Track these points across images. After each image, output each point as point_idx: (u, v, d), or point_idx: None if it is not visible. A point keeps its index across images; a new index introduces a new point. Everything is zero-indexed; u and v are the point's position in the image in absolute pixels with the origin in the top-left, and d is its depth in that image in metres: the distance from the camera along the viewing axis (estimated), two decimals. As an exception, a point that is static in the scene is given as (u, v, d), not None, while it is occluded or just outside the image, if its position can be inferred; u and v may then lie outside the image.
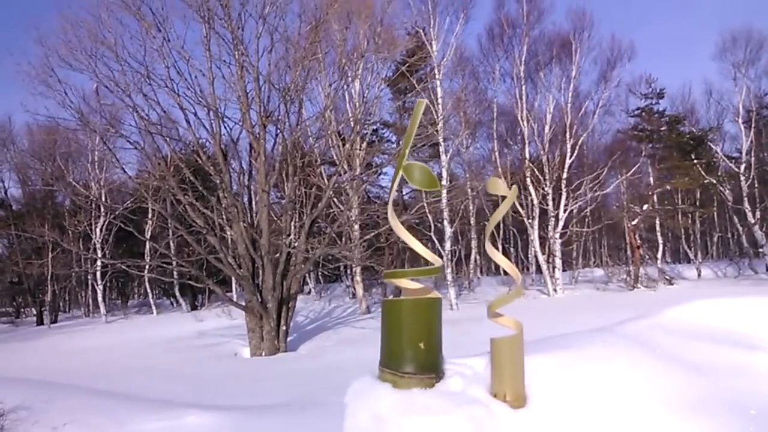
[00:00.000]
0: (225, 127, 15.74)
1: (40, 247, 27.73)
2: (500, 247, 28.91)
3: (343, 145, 19.85)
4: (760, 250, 26.99)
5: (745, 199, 27.01)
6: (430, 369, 2.18)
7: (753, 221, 26.85)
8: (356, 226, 21.09)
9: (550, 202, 25.09)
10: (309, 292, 32.27)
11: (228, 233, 17.35)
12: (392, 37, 19.04)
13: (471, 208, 26.42)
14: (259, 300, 14.99)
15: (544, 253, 25.12)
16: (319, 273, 33.33)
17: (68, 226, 26.22)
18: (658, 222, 29.50)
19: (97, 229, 27.14)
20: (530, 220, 25.34)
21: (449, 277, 22.83)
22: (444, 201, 21.87)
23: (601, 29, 45.51)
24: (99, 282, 27.92)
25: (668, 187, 29.61)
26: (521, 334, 2.20)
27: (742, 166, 27.46)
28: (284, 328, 15.35)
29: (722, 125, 31.28)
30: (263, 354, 14.72)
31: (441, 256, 23.51)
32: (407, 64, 20.35)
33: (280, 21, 15.64)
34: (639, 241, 26.26)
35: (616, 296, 22.00)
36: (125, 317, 29.16)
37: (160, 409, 7.16)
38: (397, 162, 2.32)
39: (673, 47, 78.48)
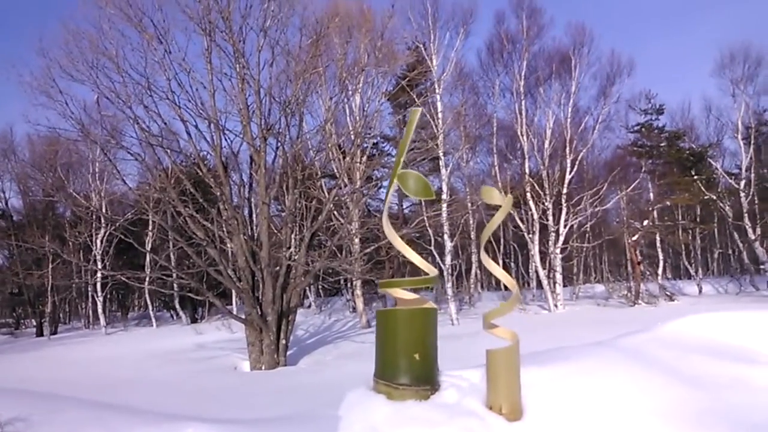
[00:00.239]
0: (226, 140, 15.77)
1: (40, 258, 27.69)
2: (500, 261, 28.83)
3: (344, 158, 19.88)
4: (761, 266, 26.93)
5: (746, 215, 26.98)
6: (426, 380, 2.16)
7: (753, 237, 26.81)
8: (356, 240, 21.06)
9: (551, 217, 25.05)
10: (309, 306, 32.17)
11: (228, 246, 17.33)
12: (392, 51, 19.12)
13: (471, 222, 26.43)
14: (259, 313, 14.92)
15: (544, 269, 25.05)
16: (320, 286, 33.25)
17: (69, 237, 26.20)
18: (658, 238, 29.45)
19: (98, 241, 27.12)
20: (530, 235, 25.30)
21: (449, 292, 22.76)
22: (444, 215, 21.86)
23: (601, 45, 45.66)
24: (99, 294, 27.85)
25: (668, 203, 29.59)
26: (517, 346, 2.18)
27: (742, 182, 27.46)
28: (284, 341, 15.27)
29: (722, 141, 31.42)
30: (263, 368, 14.63)
31: (441, 271, 23.48)
32: (407, 79, 20.43)
33: (281, 34, 15.72)
34: (639, 257, 26.19)
35: (617, 312, 21.90)
36: (125, 329, 29.05)
37: (159, 421, 7.10)
38: (392, 171, 2.32)
39: (672, 63, 78.82)
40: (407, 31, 23.71)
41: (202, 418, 7.71)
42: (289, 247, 16.80)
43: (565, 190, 24.86)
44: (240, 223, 15.34)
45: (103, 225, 26.59)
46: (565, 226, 24.94)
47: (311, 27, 15.94)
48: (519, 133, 25.30)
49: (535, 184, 25.03)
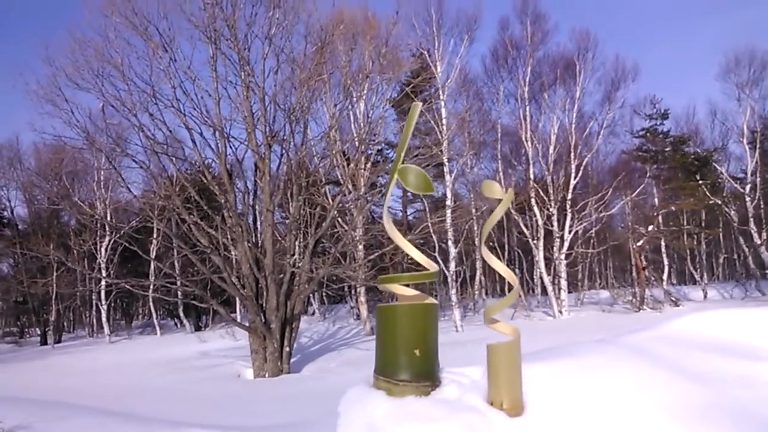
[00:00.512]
0: (230, 147, 15.82)
1: (44, 266, 27.75)
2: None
3: (348, 165, 19.89)
4: (767, 271, 26.79)
5: (751, 219, 26.86)
6: (426, 377, 2.14)
7: (759, 242, 26.68)
8: (360, 246, 21.04)
9: (555, 223, 24.99)
10: (313, 314, 32.13)
11: (232, 253, 17.34)
12: (397, 58, 19.17)
13: (476, 228, 26.32)
14: (263, 320, 14.90)
15: (549, 275, 24.97)
16: (323, 294, 33.20)
17: (73, 245, 26.25)
18: (663, 243, 29.34)
19: (102, 249, 27.17)
20: (535, 241, 25.24)
21: (454, 299, 22.69)
22: (448, 221, 21.82)
23: (606, 50, 45.68)
24: (103, 302, 27.87)
25: (673, 208, 29.48)
26: (518, 341, 2.16)
27: (748, 187, 27.36)
28: (288, 349, 15.23)
29: (727, 146, 31.29)
30: (266, 375, 14.60)
31: (445, 277, 23.42)
32: (412, 85, 20.47)
33: (286, 42, 15.77)
34: (644, 263, 26.07)
35: (622, 318, 21.81)
36: (129, 338, 29.07)
37: (162, 428, 7.10)
38: (393, 165, 2.31)
39: (677, 68, 78.80)
40: (411, 37, 23.79)
41: (205, 424, 7.69)
42: (293, 254, 16.80)
43: (569, 196, 24.79)
44: (244, 231, 15.34)
45: (108, 233, 26.64)
46: (569, 232, 24.87)
47: (316, 34, 15.99)
48: (523, 138, 25.28)
49: (540, 190, 24.98)
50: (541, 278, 26.28)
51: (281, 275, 15.35)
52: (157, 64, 15.18)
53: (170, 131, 15.79)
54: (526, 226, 25.58)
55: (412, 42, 23.69)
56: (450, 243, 22.92)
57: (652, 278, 27.81)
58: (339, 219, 19.99)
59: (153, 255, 24.83)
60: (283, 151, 16.16)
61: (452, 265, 22.99)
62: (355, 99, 19.63)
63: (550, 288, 24.42)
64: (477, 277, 29.91)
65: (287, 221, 18.30)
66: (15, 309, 33.68)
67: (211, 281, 16.54)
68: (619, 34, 75.03)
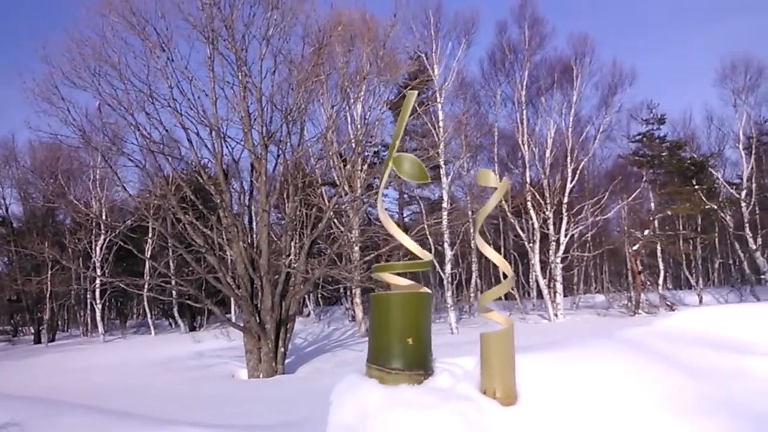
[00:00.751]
0: (227, 147, 15.77)
1: (39, 264, 27.64)
2: (501, 271, 28.70)
3: (345, 166, 19.88)
4: (762, 276, 26.85)
5: (747, 225, 26.95)
6: (419, 365, 2.13)
7: (754, 247, 26.76)
8: (356, 248, 21.02)
9: (551, 227, 25.01)
10: (308, 315, 32.08)
11: (227, 253, 17.29)
12: (394, 60, 19.18)
13: (471, 231, 26.31)
14: (258, 321, 14.85)
15: (545, 278, 24.98)
16: (319, 295, 33.16)
17: (68, 244, 26.17)
18: (659, 248, 29.36)
19: (97, 248, 27.09)
20: (531, 244, 25.26)
21: (449, 301, 22.68)
22: (445, 223, 21.82)
23: (603, 55, 45.87)
24: (98, 301, 27.78)
25: (669, 213, 29.51)
26: (512, 330, 2.15)
27: (743, 192, 27.45)
28: (282, 349, 15.18)
29: (723, 151, 31.40)
30: (261, 376, 14.55)
31: (441, 280, 23.41)
32: (409, 88, 20.45)
33: (283, 43, 15.75)
34: (640, 267, 26.11)
35: (617, 321, 21.80)
36: (123, 337, 28.96)
37: (155, 426, 7.05)
38: (388, 154, 2.30)
39: (674, 73, 79.05)
40: (409, 40, 23.81)
41: (198, 423, 7.64)
42: (289, 255, 16.77)
43: (566, 200, 24.83)
44: (240, 231, 15.31)
45: (103, 232, 26.57)
46: (565, 236, 24.90)
47: (314, 36, 15.98)
48: (520, 142, 25.32)
49: (536, 194, 25.00)
50: (536, 281, 26.28)
51: (276, 276, 15.31)
52: (154, 64, 15.14)
53: (167, 131, 15.76)
54: (523, 230, 25.60)
55: (409, 44, 23.73)
56: (446, 245, 22.91)
57: (648, 283, 27.82)
58: (335, 220, 19.97)
59: (148, 254, 24.76)
60: (280, 151, 16.15)
61: (448, 268, 22.98)
62: (352, 101, 19.65)
63: (545, 291, 24.43)
64: (473, 280, 29.88)
65: (283, 222, 18.27)
66: (9, 307, 33.53)
67: (206, 281, 16.49)
68: (617, 40, 75.27)
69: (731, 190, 29.22)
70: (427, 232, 21.52)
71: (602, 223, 28.18)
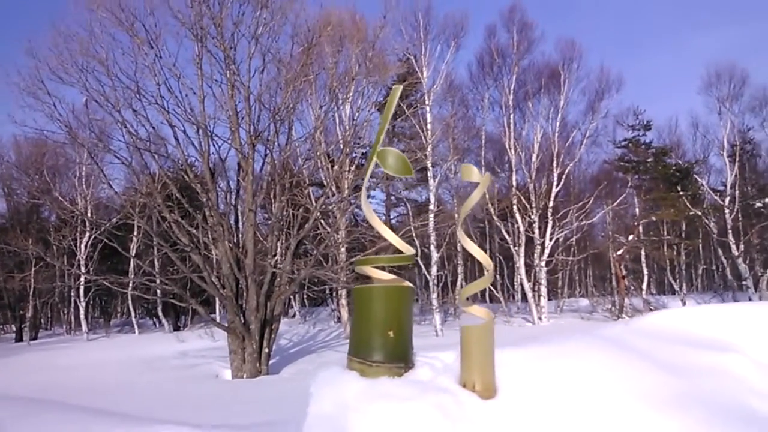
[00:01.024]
0: (214, 146, 15.71)
1: (22, 261, 27.36)
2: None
3: (332, 167, 19.87)
4: (744, 282, 27.14)
5: (730, 231, 27.23)
6: (400, 358, 2.15)
7: (737, 254, 27.05)
8: (343, 249, 21.01)
9: (537, 230, 25.15)
10: (293, 316, 32.02)
11: (213, 253, 17.22)
12: (383, 62, 19.20)
13: (458, 233, 26.41)
14: (242, 321, 14.80)
15: (529, 281, 25.10)
16: (304, 296, 33.10)
17: (53, 241, 25.93)
18: (643, 253, 29.61)
19: (82, 246, 26.87)
20: (516, 248, 25.38)
21: (435, 303, 22.73)
22: (431, 225, 21.87)
23: (590, 60, 46.16)
24: (82, 299, 27.53)
25: (654, 219, 29.78)
26: (492, 323, 2.17)
27: (727, 199, 27.74)
28: (267, 350, 15.14)
29: (708, 158, 31.74)
30: (245, 376, 14.50)
31: (427, 282, 23.46)
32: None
33: (272, 42, 15.74)
34: (624, 272, 26.33)
35: (601, 325, 21.95)
36: (107, 336, 28.72)
37: (136, 425, 7.01)
38: (372, 147, 2.32)
39: (661, 79, 79.80)
40: (398, 42, 23.87)
41: (180, 422, 7.60)
42: (275, 255, 16.72)
43: (551, 204, 24.99)
44: (225, 230, 15.24)
45: (88, 229, 26.36)
46: (550, 239, 25.05)
47: (303, 35, 15.97)
48: (507, 146, 25.47)
49: (522, 197, 25.14)
50: (521, 285, 26.41)
51: (262, 276, 15.27)
52: (142, 60, 15.07)
53: (153, 128, 15.69)
54: (508, 233, 25.72)
55: (398, 46, 23.79)
56: (432, 247, 22.97)
57: (632, 287, 28.08)
58: (322, 221, 19.95)
59: (133, 252, 24.60)
60: (267, 151, 16.11)
61: (434, 270, 23.04)
62: (340, 101, 19.63)
63: (530, 294, 24.56)
64: (458, 282, 29.95)
65: (269, 222, 18.23)
66: (-10, 305, 33.14)
67: (191, 280, 16.40)
68: (605, 45, 75.84)
69: (715, 197, 29.54)
70: (414, 234, 21.55)
71: (587, 227, 28.40)
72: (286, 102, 15.64)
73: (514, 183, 25.68)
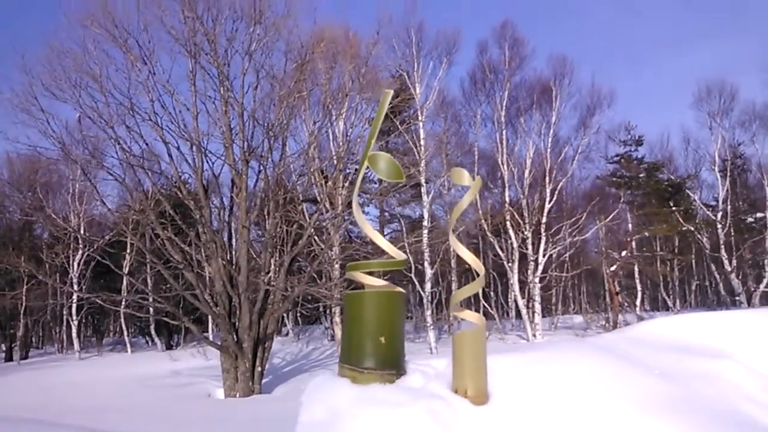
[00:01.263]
0: (207, 162, 15.68)
1: (14, 279, 27.14)
2: (480, 291, 28.75)
3: (326, 183, 19.87)
4: (737, 298, 27.19)
5: (722, 246, 27.31)
6: (391, 365, 2.13)
7: (729, 269, 27.11)
8: (337, 265, 20.94)
9: (530, 246, 25.17)
10: (287, 334, 31.85)
11: (206, 270, 17.12)
12: (376, 78, 19.28)
13: (452, 249, 26.40)
14: (235, 339, 14.67)
15: (523, 298, 25.06)
16: (298, 314, 32.94)
17: (45, 258, 25.76)
18: (636, 268, 29.67)
19: (75, 263, 26.71)
20: (510, 264, 25.36)
21: (429, 320, 22.64)
22: (425, 241, 21.86)
23: (582, 76, 46.41)
24: (74, 317, 27.31)
25: (647, 234, 29.88)
26: (483, 329, 2.16)
27: (719, 214, 27.86)
28: (260, 369, 15.01)
29: (700, 173, 31.90)
30: (237, 395, 14.37)
31: (421, 299, 23.39)
32: (391, 105, 20.57)
33: (266, 58, 15.77)
34: (618, 288, 26.35)
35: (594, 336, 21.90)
36: (99, 354, 28.49)
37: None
38: (364, 152, 2.32)
39: (653, 95, 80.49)
40: (391, 59, 23.99)
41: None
42: (268, 272, 16.64)
43: (544, 220, 25.03)
44: (219, 247, 15.17)
45: (81, 246, 26.22)
46: (544, 256, 25.05)
47: (296, 52, 16.00)
48: (500, 162, 25.55)
49: (515, 213, 25.18)
50: (515, 301, 26.36)
51: (255, 293, 15.18)
52: (135, 77, 15.04)
53: (147, 144, 15.65)
54: (502, 249, 25.72)
55: (391, 63, 23.91)
56: (426, 264, 22.93)
57: (626, 303, 28.08)
58: (315, 237, 19.90)
59: (126, 270, 24.46)
60: (261, 167, 16.09)
61: (428, 286, 22.98)
62: (334, 117, 19.66)
63: (524, 311, 24.51)
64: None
65: (263, 239, 18.17)
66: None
67: (184, 299, 16.32)
68: (596, 61, 76.56)
69: (707, 212, 29.67)
70: (408, 250, 21.51)
71: (580, 243, 28.42)
72: (279, 118, 15.65)
73: (507, 199, 25.72)
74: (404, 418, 1.91)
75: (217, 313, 15.11)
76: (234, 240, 16.45)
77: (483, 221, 25.09)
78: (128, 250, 24.53)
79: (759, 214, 28.95)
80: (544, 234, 24.99)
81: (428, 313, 22.80)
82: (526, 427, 2.08)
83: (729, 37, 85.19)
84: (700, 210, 30.32)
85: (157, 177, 17.00)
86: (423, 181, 22.90)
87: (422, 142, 23.30)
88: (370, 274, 2.29)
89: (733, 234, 28.22)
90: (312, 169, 19.08)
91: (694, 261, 34.73)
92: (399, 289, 2.36)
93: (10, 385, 18.98)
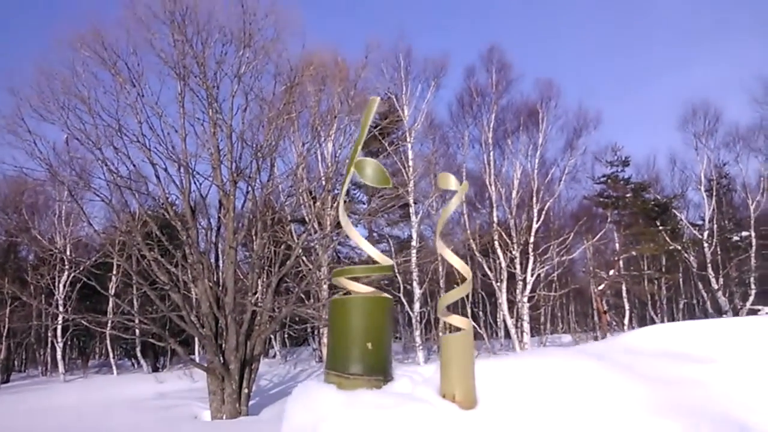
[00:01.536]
0: (195, 183, 15.63)
1: (-3, 301, 26.81)
2: (469, 311, 28.75)
3: (314, 203, 19.88)
4: (724, 315, 27.32)
5: (709, 265, 27.51)
6: (378, 371, 2.12)
7: (716, 287, 27.29)
8: (325, 286, 20.87)
9: (518, 266, 25.23)
10: (274, 356, 31.56)
11: (193, 291, 16.99)
12: (365, 101, 19.23)
13: (441, 269, 26.39)
14: (222, 361, 14.53)
15: (512, 317, 25.06)
16: (285, 335, 32.70)
17: (30, 280, 25.47)
18: (624, 288, 29.77)
19: (60, 285, 26.43)
20: (498, 284, 25.38)
21: (418, 340, 22.56)
22: (413, 261, 21.86)
23: (568, 98, 47.03)
24: (59, 339, 26.94)
25: (634, 253, 30.06)
26: (471, 333, 2.16)
27: (705, 233, 28.11)
28: (246, 390, 14.84)
29: (686, 193, 32.21)
30: (224, 417, 14.19)
31: (410, 318, 23.32)
32: (379, 127, 20.69)
33: (255, 81, 15.84)
34: (605, 307, 26.42)
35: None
36: (84, 377, 28.06)
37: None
38: (350, 158, 2.34)
39: (639, 116, 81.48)
40: (380, 82, 24.21)
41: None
42: (255, 293, 16.54)
43: (532, 239, 25.12)
44: (205, 268, 15.06)
45: (67, 268, 25.97)
46: (532, 275, 25.10)
47: (285, 74, 16.09)
48: (487, 183, 25.70)
49: (503, 233, 25.27)
50: (504, 321, 26.34)
51: (242, 314, 15.07)
52: (124, 99, 15.03)
53: (134, 166, 15.58)
54: (490, 269, 25.75)
55: (380, 86, 24.11)
56: (415, 284, 22.90)
57: (614, 322, 28.13)
58: (304, 258, 19.85)
59: (112, 291, 24.23)
60: (249, 188, 16.07)
61: (417, 306, 22.93)
62: (323, 139, 19.74)
63: (513, 331, 24.49)
64: (442, 319, 29.73)
65: (250, 260, 18.08)
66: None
67: (170, 320, 16.12)
68: (582, 83, 77.50)
69: (694, 231, 29.90)
70: (396, 270, 21.51)
71: (568, 263, 28.52)
72: (268, 140, 15.68)
73: (495, 219, 25.83)
74: (390, 421, 1.90)
75: (204, 334, 14.95)
76: (221, 261, 16.36)
77: (471, 241, 25.15)
78: (114, 272, 24.33)
79: (744, 233, 29.23)
80: (532, 254, 25.07)
81: (417, 333, 22.72)
82: (514, 431, 2.08)
83: (712, 60, 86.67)
84: (687, 229, 30.56)
85: (144, 198, 16.91)
86: (411, 201, 22.97)
87: (410, 163, 23.43)
88: (356, 281, 2.30)
89: (719, 252, 28.44)
90: (300, 190, 19.10)
91: (681, 279, 34.90)
92: (385, 295, 2.36)
93: (-7, 409, 18.62)
